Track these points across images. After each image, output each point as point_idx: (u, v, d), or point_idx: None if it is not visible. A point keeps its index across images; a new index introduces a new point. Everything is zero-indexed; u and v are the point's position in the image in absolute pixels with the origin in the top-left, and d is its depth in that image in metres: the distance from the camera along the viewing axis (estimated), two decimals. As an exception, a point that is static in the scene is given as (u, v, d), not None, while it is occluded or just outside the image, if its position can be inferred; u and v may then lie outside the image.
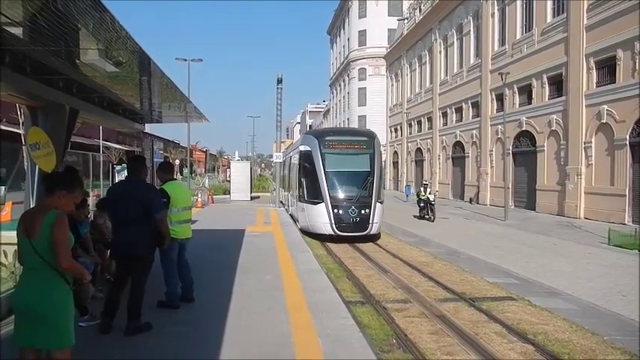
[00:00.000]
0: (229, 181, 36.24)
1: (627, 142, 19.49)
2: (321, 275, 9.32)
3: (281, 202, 27.01)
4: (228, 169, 51.30)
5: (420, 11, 44.12)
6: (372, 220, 16.11)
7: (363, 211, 16.06)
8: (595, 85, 21.56)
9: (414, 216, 23.37)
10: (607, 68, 20.85)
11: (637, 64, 18.84)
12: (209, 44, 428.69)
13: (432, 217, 21.90)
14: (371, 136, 17.92)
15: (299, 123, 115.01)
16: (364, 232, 16.02)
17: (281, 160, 27.56)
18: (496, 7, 30.66)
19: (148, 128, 26.63)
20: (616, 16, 20.00)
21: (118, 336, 5.61)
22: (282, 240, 14.04)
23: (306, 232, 16.90)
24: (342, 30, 72.21)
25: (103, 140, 25.65)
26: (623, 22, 19.59)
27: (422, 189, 22.81)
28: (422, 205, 22.60)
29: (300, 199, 17.72)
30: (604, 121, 20.67)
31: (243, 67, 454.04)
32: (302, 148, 18.00)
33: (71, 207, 3.97)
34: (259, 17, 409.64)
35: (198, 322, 6.24)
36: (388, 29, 58.92)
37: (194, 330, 5.94)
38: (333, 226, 15.97)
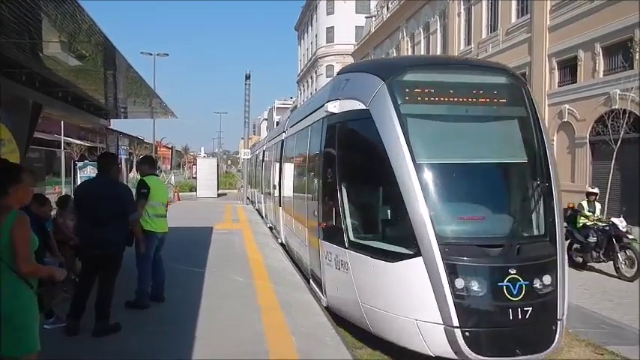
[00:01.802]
0: (195, 178, 35.74)
1: (587, 141, 20.16)
2: (294, 276, 9.26)
3: (248, 198, 26.74)
4: (194, 166, 50.57)
5: (387, 9, 44.47)
6: (560, 310, 5.26)
7: (537, 285, 5.13)
8: (557, 85, 22.19)
9: (576, 263, 11.10)
10: (569, 68, 21.48)
11: (597, 64, 19.48)
12: (175, 39, 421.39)
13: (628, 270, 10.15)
14: (516, 79, 6.51)
15: (266, 119, 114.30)
16: (542, 353, 5.08)
17: (249, 157, 27.13)
18: (462, 7, 31.17)
19: (113, 124, 25.92)
20: (578, 17, 20.60)
21: (85, 338, 5.44)
22: (251, 238, 13.91)
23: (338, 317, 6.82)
24: (309, 26, 72.07)
25: (63, 136, 24.88)
26: (584, 23, 20.20)
27: (584, 204, 11.77)
28: (594, 238, 10.82)
29: (325, 237, 6.81)
30: (565, 119, 21.31)
31: (210, 63, 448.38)
32: (335, 106, 6.68)
33: (29, 196, 3.76)
34: (227, 12, 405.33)
35: (169, 321, 6.12)
36: (356, 26, 59.11)
37: (165, 330, 5.81)
38: (459, 338, 4.88)
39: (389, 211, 5.58)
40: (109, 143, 31.15)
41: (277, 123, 71.38)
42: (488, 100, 5.95)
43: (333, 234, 6.39)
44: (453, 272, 4.93)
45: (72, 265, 7.41)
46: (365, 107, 5.78)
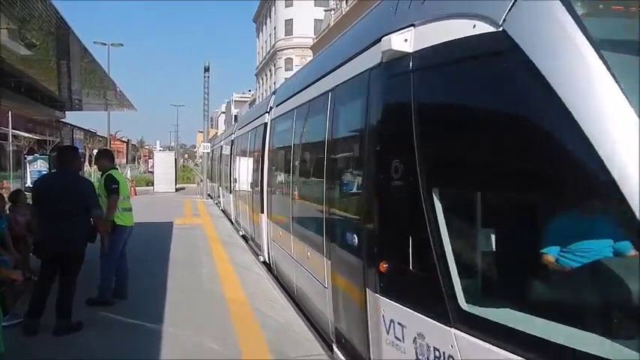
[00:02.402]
0: (152, 172, 34.98)
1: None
2: (258, 267, 9.21)
3: (209, 194, 26.28)
4: (150, 160, 49.50)
5: (346, 3, 44.63)
6: None
7: None
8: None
9: None
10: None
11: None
12: (130, 31, 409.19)
13: None
14: None
15: (224, 112, 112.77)
16: None
17: (209, 151, 26.66)
18: (419, 2, 31.64)
19: (69, 117, 24.90)
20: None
21: (46, 337, 5.23)
22: (213, 232, 13.73)
23: None
24: (268, 19, 71.45)
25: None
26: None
27: None
28: None
29: (388, 291, 3.34)
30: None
31: (166, 55, 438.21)
32: (406, 40, 3.20)
33: None
34: (184, 2, 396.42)
35: (134, 318, 5.94)
36: (315, 19, 59.01)
37: (130, 327, 5.67)
38: None
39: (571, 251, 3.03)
40: (64, 136, 29.96)
41: (236, 117, 70.63)
42: None
43: (409, 289, 3.20)
44: None
45: (26, 264, 7.12)
46: (495, 29, 2.50)
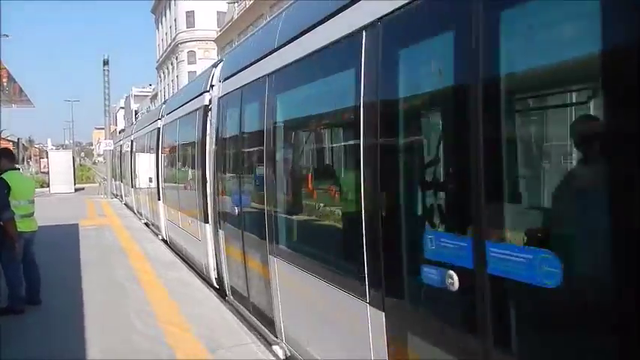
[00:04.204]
0: (46, 173, 32.61)
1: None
2: (177, 263, 9.04)
3: (114, 194, 24.91)
4: (42, 160, 46.06)
5: (249, -4, 44.21)
6: None
7: None
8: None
9: None
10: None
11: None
12: (17, 19, 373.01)
13: None
14: None
15: (122, 108, 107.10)
16: None
17: (111, 148, 25.24)
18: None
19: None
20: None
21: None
22: (123, 231, 13.17)
23: None
24: (167, 10, 68.73)
25: None
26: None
27: None
28: None
29: None
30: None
31: (56, 46, 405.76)
32: None
33: None
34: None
35: (51, 325, 5.66)
36: (218, 12, 57.80)
37: (48, 334, 5.38)
38: None
39: None
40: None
41: (136, 112, 67.34)
42: None
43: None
44: None
45: None
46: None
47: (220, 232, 6.54)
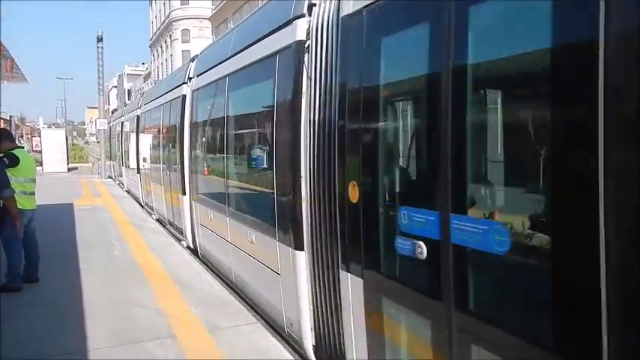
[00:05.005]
0: (38, 152, 32.44)
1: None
2: (175, 246, 9.04)
3: (110, 177, 24.63)
4: (34, 139, 45.85)
5: (245, -27, 43.52)
6: None
7: None
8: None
9: None
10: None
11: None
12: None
13: None
14: None
15: (115, 87, 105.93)
16: None
17: (106, 127, 24.93)
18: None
19: None
20: None
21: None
22: (119, 212, 13.15)
23: None
24: (161, -14, 67.70)
25: None
26: None
27: None
28: None
29: None
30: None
31: (49, 22, 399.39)
32: None
33: None
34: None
35: (51, 302, 5.68)
36: (212, -11, 56.98)
37: (48, 311, 5.39)
38: None
39: None
40: None
41: (129, 91, 66.62)
42: None
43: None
44: None
45: None
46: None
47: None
